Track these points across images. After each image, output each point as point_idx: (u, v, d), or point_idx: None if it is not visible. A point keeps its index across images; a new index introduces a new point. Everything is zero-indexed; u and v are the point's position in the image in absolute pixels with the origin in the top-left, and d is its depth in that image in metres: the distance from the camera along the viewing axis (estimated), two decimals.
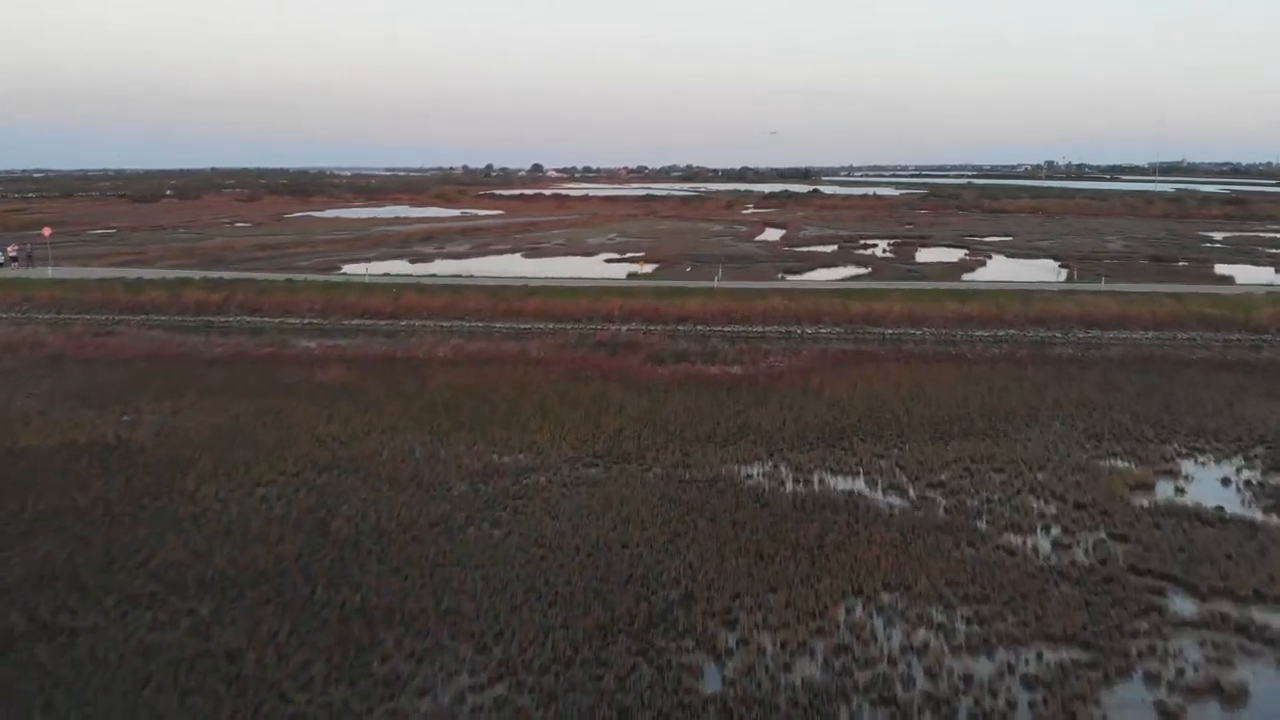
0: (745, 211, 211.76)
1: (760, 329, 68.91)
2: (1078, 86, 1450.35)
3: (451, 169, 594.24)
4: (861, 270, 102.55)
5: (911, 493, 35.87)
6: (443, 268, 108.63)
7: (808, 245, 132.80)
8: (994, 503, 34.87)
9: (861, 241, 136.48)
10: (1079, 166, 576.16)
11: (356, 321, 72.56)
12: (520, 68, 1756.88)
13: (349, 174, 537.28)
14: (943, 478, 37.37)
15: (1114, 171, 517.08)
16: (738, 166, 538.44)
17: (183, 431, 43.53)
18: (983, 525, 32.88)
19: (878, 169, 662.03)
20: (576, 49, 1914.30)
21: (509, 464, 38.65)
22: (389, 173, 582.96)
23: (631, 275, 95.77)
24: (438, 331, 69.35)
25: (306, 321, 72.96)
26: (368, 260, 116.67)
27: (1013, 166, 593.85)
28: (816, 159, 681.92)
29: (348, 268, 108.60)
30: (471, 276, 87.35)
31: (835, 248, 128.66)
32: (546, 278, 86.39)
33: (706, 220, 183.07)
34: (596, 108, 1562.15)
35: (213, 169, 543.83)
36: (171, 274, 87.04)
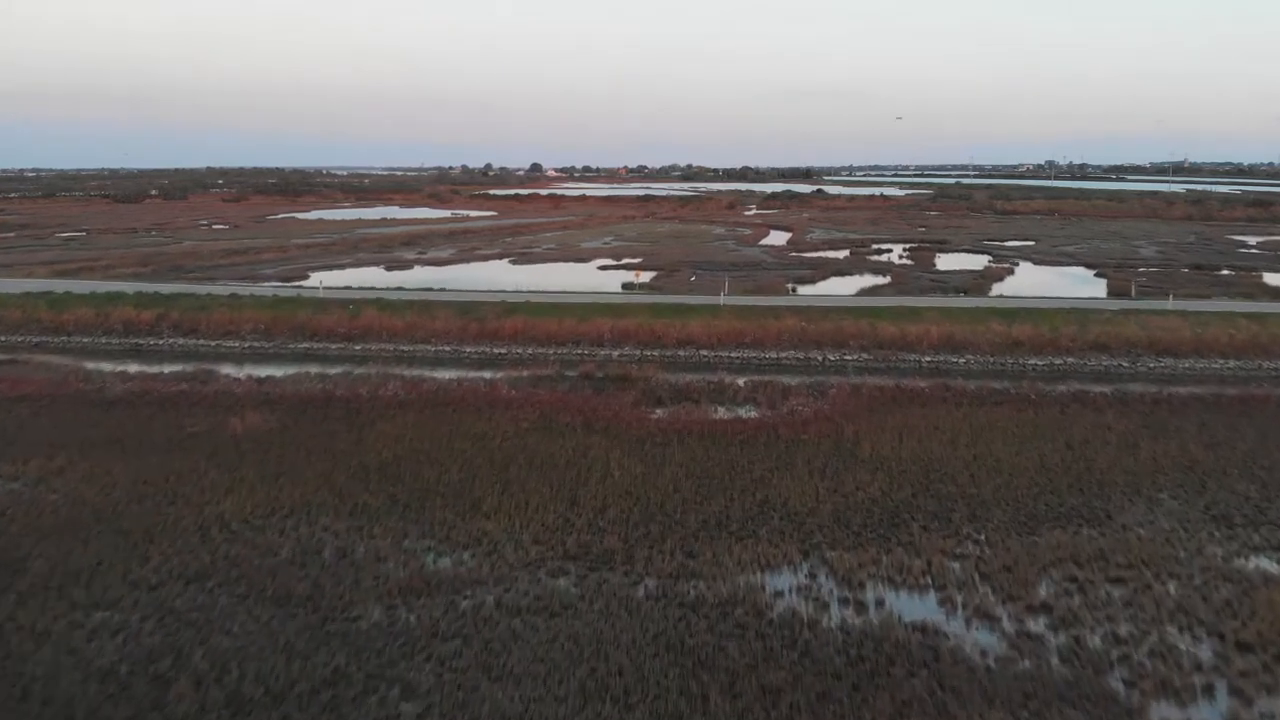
0: (748, 213, 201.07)
1: (775, 355, 58.19)
2: (1077, 86, 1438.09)
3: (450, 168, 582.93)
4: (880, 280, 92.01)
5: (1007, 624, 25.21)
6: (419, 276, 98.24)
7: (817, 250, 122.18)
8: (1125, 642, 24.24)
9: (874, 246, 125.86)
10: (1081, 166, 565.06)
11: (305, 345, 61.83)
12: (521, 67, 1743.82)
13: (345, 173, 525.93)
14: (1043, 595, 26.74)
15: (1117, 171, 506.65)
16: (738, 166, 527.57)
17: (36, 509, 32.93)
18: (1121, 688, 22.27)
19: (878, 168, 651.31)
20: (577, 48, 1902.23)
21: (446, 572, 27.96)
22: (387, 172, 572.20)
23: (626, 286, 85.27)
24: (397, 358, 58.76)
25: (247, 345, 62.23)
26: (341, 267, 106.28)
27: (1014, 166, 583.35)
28: (816, 159, 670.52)
29: (317, 276, 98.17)
30: (444, 290, 76.54)
31: (847, 253, 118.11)
32: (530, 290, 75.70)
33: (708, 222, 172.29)
34: (597, 107, 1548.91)
35: (208, 168, 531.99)
36: (106, 287, 76.24)
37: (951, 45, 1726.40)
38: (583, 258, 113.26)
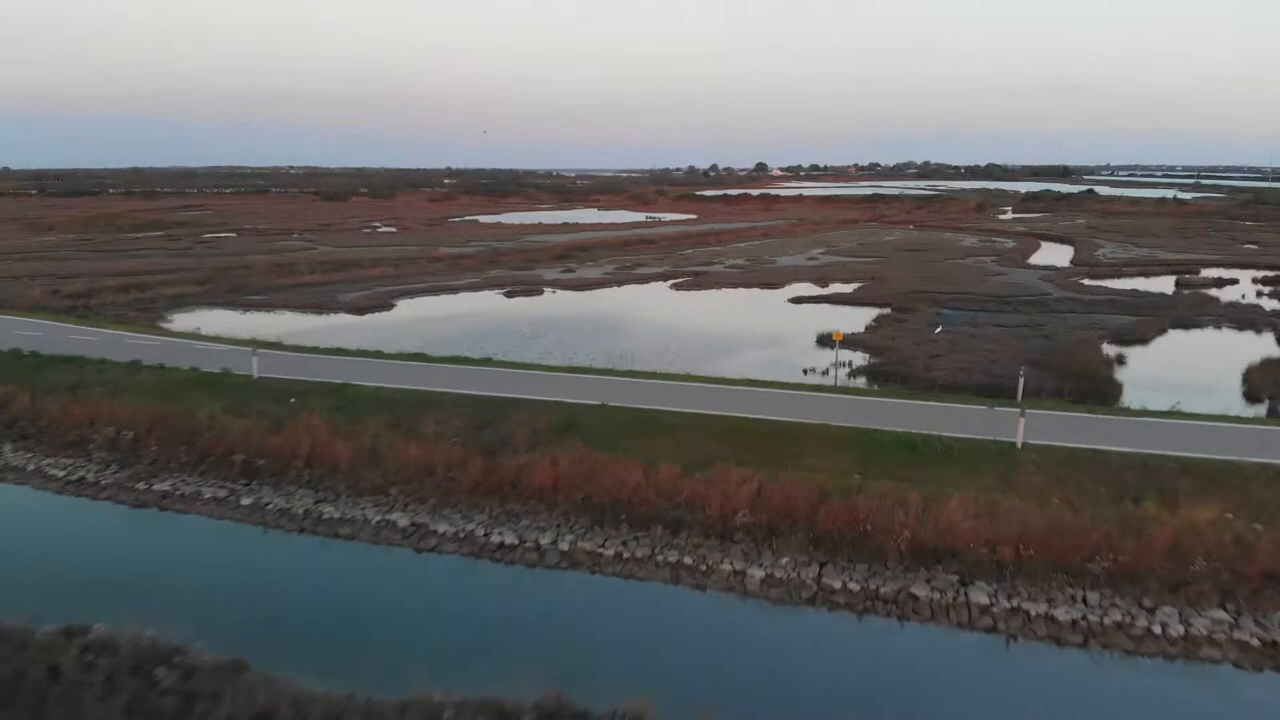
0: (1003, 217, 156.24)
1: (1223, 659, 20.71)
2: None
3: (675, 170, 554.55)
4: (1268, 342, 51.19)
5: None
6: (542, 307, 67.06)
7: (1121, 275, 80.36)
8: None
9: (1203, 273, 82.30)
10: None
11: (171, 481, 30.36)
12: (756, 66, 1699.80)
13: (574, 174, 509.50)
14: None
15: None
16: (983, 163, 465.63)
17: None
18: None
19: (1143, 168, 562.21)
20: (810, 49, 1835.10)
21: None
22: (614, 174, 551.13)
23: (822, 344, 49.72)
24: (315, 524, 26.50)
25: (83, 473, 31.41)
26: (452, 290, 76.59)
27: None
28: (1067, 156, 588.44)
29: (405, 303, 69.03)
30: (490, 362, 42.25)
31: (1172, 285, 75.60)
32: (627, 373, 41.14)
33: (953, 229, 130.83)
34: (829, 105, 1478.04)
35: (447, 168, 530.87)
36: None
37: (1233, 36, 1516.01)
38: (773, 281, 77.82)
